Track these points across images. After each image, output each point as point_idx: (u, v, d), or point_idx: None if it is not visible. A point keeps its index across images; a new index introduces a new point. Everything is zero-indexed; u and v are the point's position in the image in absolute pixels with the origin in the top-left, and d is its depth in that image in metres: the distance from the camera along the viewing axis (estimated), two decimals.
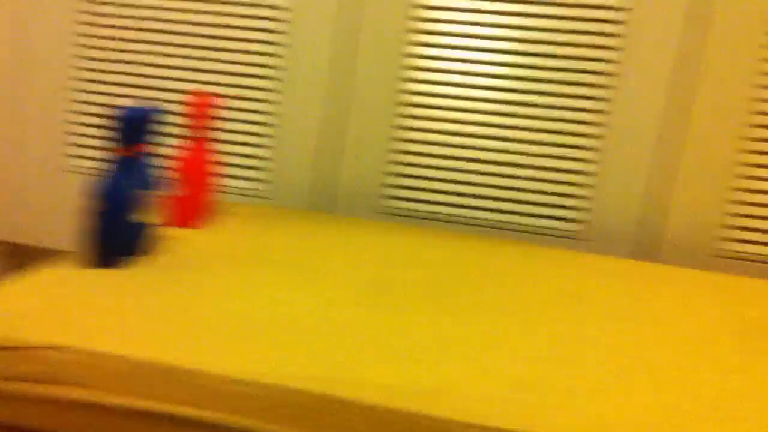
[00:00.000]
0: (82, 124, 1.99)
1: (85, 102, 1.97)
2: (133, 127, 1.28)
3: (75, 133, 2.01)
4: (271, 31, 1.88)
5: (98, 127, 1.98)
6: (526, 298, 1.43)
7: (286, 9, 1.87)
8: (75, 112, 1.97)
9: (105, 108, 1.96)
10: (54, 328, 1.11)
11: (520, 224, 1.88)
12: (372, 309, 1.30)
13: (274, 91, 1.91)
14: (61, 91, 1.97)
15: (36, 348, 1.07)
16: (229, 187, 1.97)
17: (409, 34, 1.81)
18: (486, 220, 1.85)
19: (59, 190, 1.92)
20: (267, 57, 1.91)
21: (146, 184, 1.35)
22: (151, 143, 1.34)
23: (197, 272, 1.37)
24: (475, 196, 1.86)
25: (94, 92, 1.96)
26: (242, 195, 1.96)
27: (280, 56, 1.90)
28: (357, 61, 1.84)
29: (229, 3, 1.90)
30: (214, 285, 1.32)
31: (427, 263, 1.58)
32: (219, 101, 1.92)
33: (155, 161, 1.36)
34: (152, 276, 1.32)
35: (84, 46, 1.96)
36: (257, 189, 1.96)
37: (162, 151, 2.04)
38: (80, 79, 1.97)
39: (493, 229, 1.85)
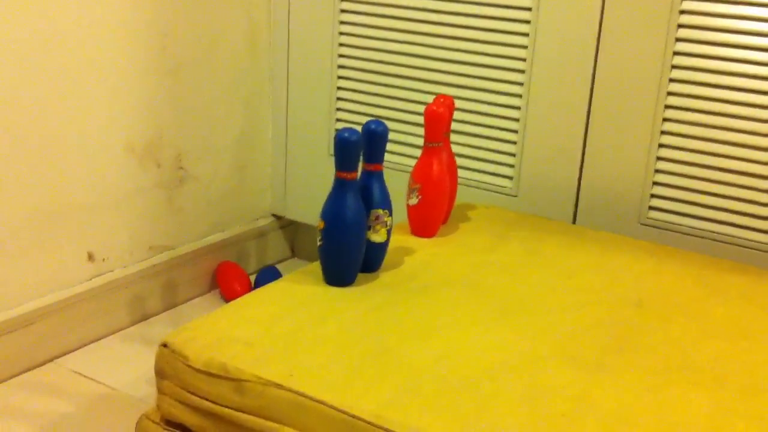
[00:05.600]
0: (340, 120, 2.04)
1: (343, 99, 2.01)
2: (352, 150, 1.25)
3: (340, 119, 2.05)
4: (517, 32, 1.75)
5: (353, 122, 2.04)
6: None
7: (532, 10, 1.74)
8: (338, 109, 2.02)
9: (362, 106, 1.99)
10: (273, 362, 1.05)
11: None
12: (597, 372, 1.08)
13: (522, 84, 1.78)
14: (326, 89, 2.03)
15: (254, 382, 1.01)
16: (474, 181, 1.95)
17: (678, 29, 1.61)
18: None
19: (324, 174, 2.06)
20: (517, 48, 1.76)
21: (376, 202, 1.32)
22: (376, 161, 1.32)
23: (412, 297, 1.26)
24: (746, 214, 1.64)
25: (351, 100, 2.00)
26: (486, 190, 1.92)
27: (526, 47, 1.75)
28: (599, 59, 1.68)
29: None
30: (421, 317, 1.20)
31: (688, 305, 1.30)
32: (456, 104, 1.81)
33: (381, 178, 1.33)
34: (366, 303, 1.23)
35: (342, 56, 1.99)
36: (503, 186, 1.92)
37: (401, 162, 1.99)
38: (340, 78, 1.97)
39: None
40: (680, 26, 1.59)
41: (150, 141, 1.80)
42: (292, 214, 2.17)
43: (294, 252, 2.28)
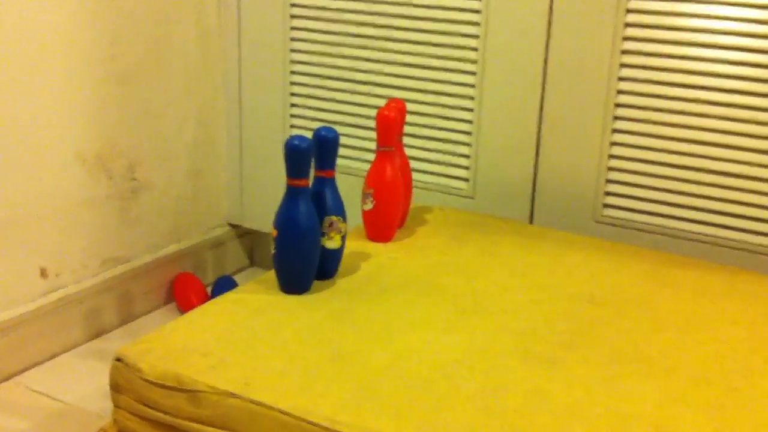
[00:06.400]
0: (294, 126, 2.04)
1: (297, 105, 2.02)
2: (302, 158, 1.26)
3: (294, 126, 2.05)
4: (471, 23, 1.76)
5: (310, 129, 2.02)
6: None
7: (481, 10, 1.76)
8: (293, 115, 2.03)
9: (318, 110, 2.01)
10: (228, 371, 1.05)
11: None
12: (550, 368, 1.10)
13: (474, 86, 1.79)
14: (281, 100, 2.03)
15: (209, 392, 1.01)
16: (430, 184, 1.96)
17: (626, 28, 1.63)
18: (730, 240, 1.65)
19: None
20: (467, 51, 1.79)
21: (329, 208, 1.32)
22: (328, 168, 1.33)
23: (369, 302, 1.27)
24: (700, 209, 1.66)
25: (305, 106, 1.98)
26: (443, 193, 1.92)
27: (477, 49, 1.77)
28: (549, 59, 1.70)
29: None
30: (378, 321, 1.21)
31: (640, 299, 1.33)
32: (409, 108, 1.85)
33: (334, 184, 1.34)
34: (323, 309, 1.24)
35: (294, 62, 2.01)
36: (459, 188, 1.92)
37: (357, 166, 1.99)
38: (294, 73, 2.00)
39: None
40: (627, 25, 1.61)
41: (101, 151, 1.77)
42: (249, 222, 2.16)
43: (253, 261, 2.27)
